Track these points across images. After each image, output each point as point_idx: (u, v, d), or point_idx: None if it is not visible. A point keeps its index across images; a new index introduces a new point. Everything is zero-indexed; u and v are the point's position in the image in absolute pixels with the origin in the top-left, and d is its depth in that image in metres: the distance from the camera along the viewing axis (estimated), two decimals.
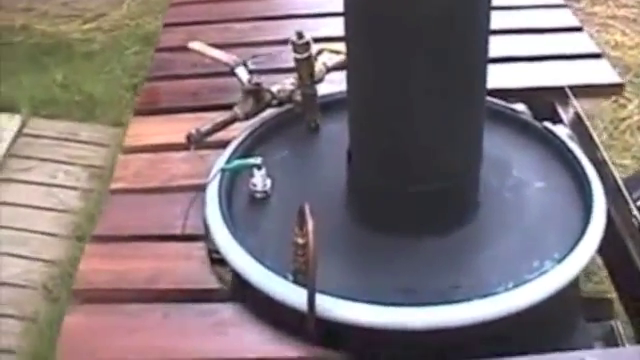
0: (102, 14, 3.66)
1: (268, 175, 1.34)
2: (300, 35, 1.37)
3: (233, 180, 1.35)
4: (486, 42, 1.20)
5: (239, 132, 1.44)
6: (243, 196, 1.33)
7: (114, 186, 1.44)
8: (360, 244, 1.27)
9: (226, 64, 1.42)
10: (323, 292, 1.12)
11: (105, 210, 1.40)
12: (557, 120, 1.55)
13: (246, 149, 1.41)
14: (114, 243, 1.32)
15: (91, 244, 1.33)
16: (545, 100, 1.59)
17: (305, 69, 1.40)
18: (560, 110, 1.58)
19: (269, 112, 1.47)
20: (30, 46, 3.46)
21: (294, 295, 1.13)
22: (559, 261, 1.19)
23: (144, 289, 1.23)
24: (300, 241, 1.14)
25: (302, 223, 1.12)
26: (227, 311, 1.19)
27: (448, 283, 1.19)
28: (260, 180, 1.33)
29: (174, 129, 1.47)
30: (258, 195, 1.33)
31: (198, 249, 1.28)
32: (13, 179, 2.78)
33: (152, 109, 1.63)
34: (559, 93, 1.59)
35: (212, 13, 1.93)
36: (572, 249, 1.21)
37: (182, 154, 1.46)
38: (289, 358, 1.12)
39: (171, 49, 1.77)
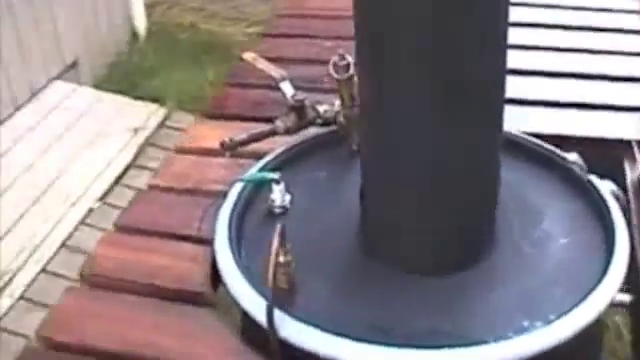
0: (267, 19, 3.79)
1: (291, 192, 1.34)
2: (342, 57, 1.37)
3: (257, 192, 1.37)
4: (502, 78, 1.15)
5: (276, 146, 1.46)
6: (260, 211, 1.35)
7: (152, 182, 1.50)
8: (357, 275, 1.25)
9: (272, 78, 1.45)
10: (296, 317, 1.12)
11: (135, 202, 1.46)
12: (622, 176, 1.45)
13: (279, 164, 1.42)
14: (131, 235, 1.38)
15: (109, 232, 1.39)
16: (614, 153, 1.50)
17: (345, 90, 1.39)
18: (627, 166, 1.48)
19: (314, 131, 1.48)
20: (193, 44, 3.65)
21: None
22: (550, 322, 1.12)
23: (142, 283, 1.28)
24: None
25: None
26: (207, 317, 1.21)
27: (427, 326, 1.14)
28: (279, 195, 1.34)
29: (228, 135, 1.50)
30: (276, 210, 1.34)
31: (205, 253, 1.31)
32: (147, 167, 2.95)
33: (218, 114, 1.69)
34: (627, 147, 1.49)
35: (309, 28, 1.96)
36: (568, 312, 1.13)
37: (224, 160, 1.50)
38: None
39: None
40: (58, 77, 3.20)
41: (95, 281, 1.30)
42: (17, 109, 3.00)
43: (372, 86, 1.17)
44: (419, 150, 1.16)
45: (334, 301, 1.21)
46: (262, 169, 1.40)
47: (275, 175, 1.33)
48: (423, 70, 1.11)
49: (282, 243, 1.15)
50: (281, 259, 1.15)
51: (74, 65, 3.28)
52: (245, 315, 1.17)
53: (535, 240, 1.27)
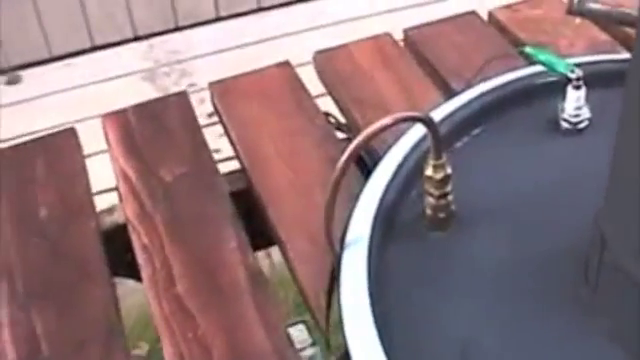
0: None
1: (593, 110, 0.86)
2: None
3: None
4: None
5: None
6: (542, 117, 0.88)
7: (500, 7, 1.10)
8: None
9: None
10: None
11: (455, 20, 1.09)
12: None
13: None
14: (413, 50, 1.06)
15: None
16: None
17: None
18: None
19: None
20: None
21: None
22: None
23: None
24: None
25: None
26: None
27: None
28: (572, 104, 0.87)
29: None
30: (563, 124, 0.88)
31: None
32: None
33: None
34: None
35: None
36: None
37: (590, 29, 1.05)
38: None
39: None
40: None
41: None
42: None
43: None
44: None
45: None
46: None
47: (577, 71, 0.85)
48: None
49: (438, 149, 0.74)
50: (428, 172, 0.75)
51: None
52: None
53: None
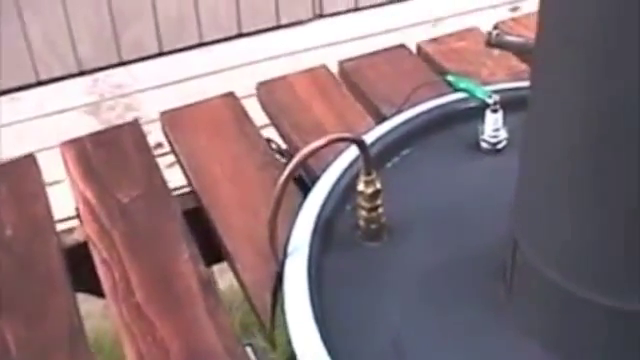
0: None
1: (510, 132, 0.96)
2: None
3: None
4: None
5: None
6: (463, 137, 0.98)
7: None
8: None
9: None
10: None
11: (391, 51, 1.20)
12: None
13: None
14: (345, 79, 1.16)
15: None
16: None
17: None
18: None
19: None
20: None
21: None
22: None
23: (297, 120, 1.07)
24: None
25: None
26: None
27: None
28: (490, 127, 0.97)
29: None
30: (483, 145, 0.98)
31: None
32: None
33: None
34: None
35: None
36: None
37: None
38: None
39: None
40: None
41: None
42: None
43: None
44: None
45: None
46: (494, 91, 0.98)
47: (493, 97, 0.96)
48: None
49: (368, 166, 0.83)
50: (360, 187, 0.84)
51: None
52: None
53: None
